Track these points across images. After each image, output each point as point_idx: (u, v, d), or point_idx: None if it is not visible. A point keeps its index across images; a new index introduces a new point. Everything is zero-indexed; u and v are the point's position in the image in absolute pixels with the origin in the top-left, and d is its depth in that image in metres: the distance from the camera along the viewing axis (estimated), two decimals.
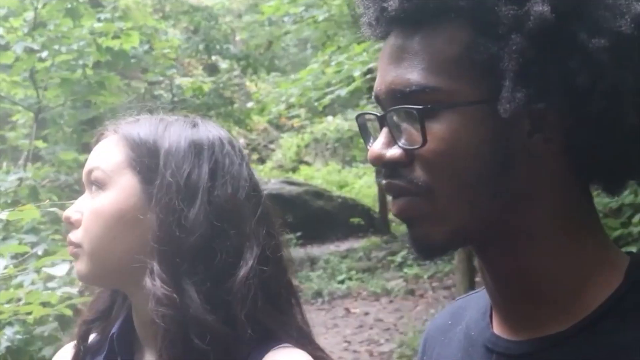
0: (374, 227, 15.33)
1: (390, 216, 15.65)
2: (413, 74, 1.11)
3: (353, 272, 12.58)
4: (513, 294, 1.16)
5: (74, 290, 3.65)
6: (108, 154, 1.56)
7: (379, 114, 1.16)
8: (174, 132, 1.56)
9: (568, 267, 1.13)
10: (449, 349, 1.31)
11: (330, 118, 18.16)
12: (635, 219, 7.46)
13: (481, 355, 1.21)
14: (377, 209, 15.89)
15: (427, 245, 1.15)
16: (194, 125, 1.60)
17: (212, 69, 18.07)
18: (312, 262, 13.07)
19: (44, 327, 3.93)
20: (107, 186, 1.54)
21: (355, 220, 15.49)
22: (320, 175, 19.11)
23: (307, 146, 20.76)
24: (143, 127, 1.58)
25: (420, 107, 1.09)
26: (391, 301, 11.16)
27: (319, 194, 16.03)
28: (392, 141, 1.13)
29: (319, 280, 12.08)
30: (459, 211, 1.11)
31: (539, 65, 1.05)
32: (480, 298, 1.29)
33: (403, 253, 12.91)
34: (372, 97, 1.19)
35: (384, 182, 1.15)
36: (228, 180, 1.53)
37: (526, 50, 1.05)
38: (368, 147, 1.18)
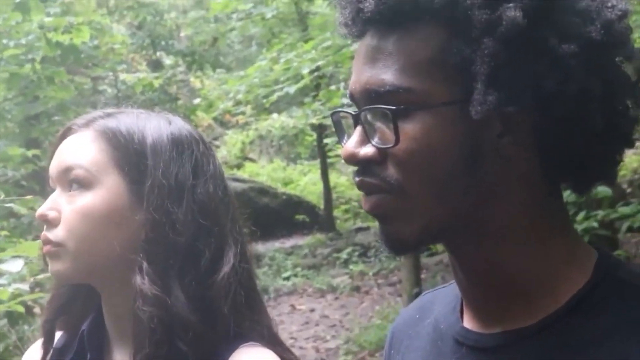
0: (318, 224, 15.36)
1: (335, 213, 15.71)
2: (387, 75, 1.13)
3: (298, 269, 12.60)
4: (483, 289, 1.19)
5: (25, 287, 3.61)
6: (87, 152, 1.53)
7: (353, 112, 1.18)
8: (155, 130, 1.56)
9: (537, 262, 1.16)
10: (417, 342, 1.33)
11: (275, 115, 18.11)
12: (579, 217, 7.61)
13: (450, 348, 1.24)
14: (322, 206, 15.91)
15: (398, 242, 1.17)
16: (169, 121, 1.59)
17: (156, 65, 17.93)
18: (257, 259, 12.97)
19: None
20: (92, 186, 1.52)
21: (300, 217, 15.50)
22: (265, 172, 19.08)
23: (251, 143, 20.69)
24: (122, 123, 1.56)
25: (394, 107, 1.12)
26: (337, 298, 11.20)
27: (264, 190, 16.00)
28: (365, 140, 1.16)
29: (264, 277, 12.05)
30: (429, 209, 1.14)
31: (510, 69, 1.08)
32: (448, 292, 1.32)
33: (348, 250, 12.97)
34: (347, 95, 1.21)
35: (356, 179, 1.18)
36: (208, 179, 1.55)
37: (498, 54, 1.08)
38: (342, 145, 1.21)
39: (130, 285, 1.48)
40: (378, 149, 1.14)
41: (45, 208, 1.53)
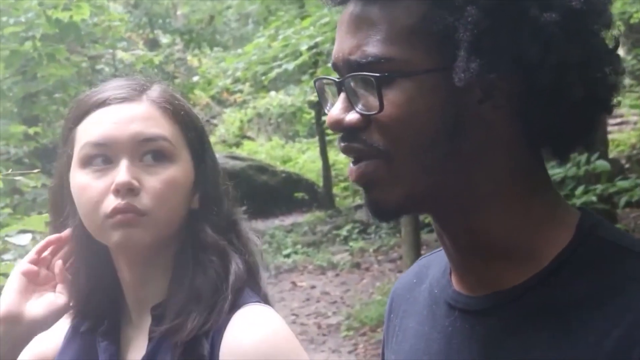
0: (318, 201, 15.38)
1: (335, 190, 15.73)
2: (369, 46, 1.15)
3: (299, 247, 12.63)
4: (467, 252, 1.21)
5: None
6: (164, 125, 1.58)
7: (337, 79, 1.20)
8: (195, 112, 1.66)
9: (519, 225, 1.18)
10: (415, 306, 1.35)
11: (273, 93, 18.13)
12: (578, 191, 7.65)
13: (444, 311, 1.26)
14: (321, 184, 15.94)
15: (383, 208, 1.20)
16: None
17: (153, 44, 17.90)
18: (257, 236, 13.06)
19: None
20: (174, 158, 1.57)
21: (299, 194, 15.52)
22: (264, 150, 19.08)
23: (250, 121, 20.68)
24: (180, 100, 1.64)
25: (377, 75, 1.13)
26: (337, 275, 11.25)
27: (262, 168, 16.02)
28: (349, 106, 1.17)
29: (264, 255, 12.08)
30: (413, 174, 1.16)
31: (492, 37, 1.10)
32: (441, 256, 1.33)
33: (348, 227, 12.99)
34: (330, 63, 1.23)
35: (342, 144, 1.20)
36: (214, 158, 1.67)
37: (480, 22, 1.10)
38: (326, 111, 1.23)
39: (169, 251, 1.59)
40: (362, 115, 1.16)
41: (129, 177, 1.52)
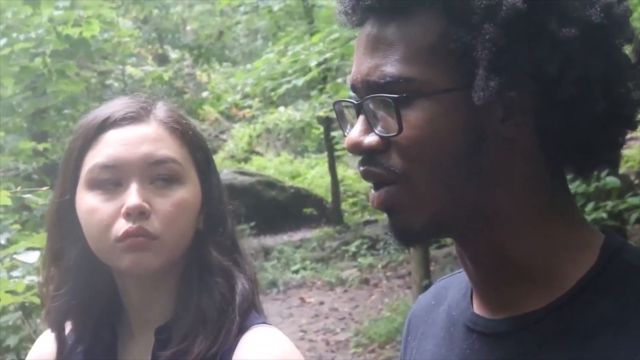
0: (326, 217, 15.36)
1: (343, 206, 15.71)
2: (387, 66, 1.14)
3: (307, 262, 12.61)
4: (490, 274, 1.20)
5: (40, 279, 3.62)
6: (173, 146, 1.56)
7: (355, 101, 1.19)
8: (199, 130, 1.65)
9: (541, 247, 1.16)
10: (433, 329, 1.34)
11: (282, 108, 18.12)
12: (588, 208, 7.61)
13: (462, 334, 1.25)
14: (329, 199, 15.92)
15: (408, 233, 1.18)
16: None
17: (162, 59, 17.96)
18: (266, 252, 13.07)
19: (7, 317, 3.89)
20: (184, 180, 1.56)
21: (308, 210, 15.51)
22: (273, 165, 19.08)
23: (258, 136, 20.69)
24: (187, 120, 1.63)
25: (396, 96, 1.12)
26: (346, 291, 11.22)
27: (271, 184, 16.01)
28: (369, 128, 1.16)
29: (273, 270, 12.09)
30: (435, 196, 1.14)
31: (511, 54, 1.08)
32: (461, 278, 1.32)
33: (357, 243, 12.97)
34: (349, 85, 1.22)
35: (361, 168, 1.18)
36: (218, 177, 1.67)
37: (498, 39, 1.08)
38: (345, 134, 1.21)
39: (176, 272, 1.57)
40: (381, 137, 1.15)
41: (140, 200, 1.50)
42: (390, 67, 1.13)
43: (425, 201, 1.14)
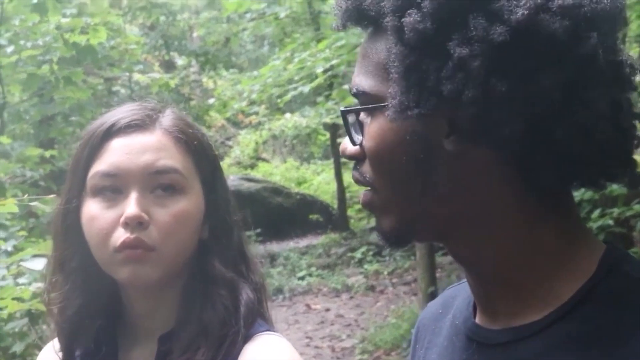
0: (332, 223, 15.37)
1: (349, 212, 15.71)
2: (356, 77, 1.20)
3: (313, 269, 12.61)
4: (483, 285, 1.20)
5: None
6: (175, 156, 1.55)
7: (341, 110, 1.25)
8: (207, 138, 1.63)
9: (526, 255, 1.15)
10: (438, 338, 1.34)
11: (288, 115, 18.15)
12: (594, 214, 7.60)
13: (463, 343, 1.25)
14: (335, 206, 15.92)
15: (383, 234, 1.23)
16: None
17: (168, 66, 17.99)
18: (272, 258, 13.08)
19: (14, 323, 3.90)
20: (185, 191, 1.54)
21: (314, 216, 15.52)
22: (279, 172, 19.10)
23: (265, 143, 20.73)
24: (193, 128, 1.62)
25: (353, 108, 1.20)
26: (352, 297, 11.21)
27: (277, 190, 16.03)
28: (351, 137, 1.22)
29: (279, 277, 12.08)
30: (397, 205, 1.18)
31: (417, 72, 1.10)
32: (468, 287, 1.32)
33: (363, 249, 12.97)
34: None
35: (352, 172, 1.25)
36: (225, 186, 1.66)
37: (405, 59, 1.11)
38: None
39: (179, 282, 1.56)
40: (358, 145, 1.21)
41: (139, 210, 1.49)
42: (357, 79, 1.19)
43: (391, 207, 1.19)
